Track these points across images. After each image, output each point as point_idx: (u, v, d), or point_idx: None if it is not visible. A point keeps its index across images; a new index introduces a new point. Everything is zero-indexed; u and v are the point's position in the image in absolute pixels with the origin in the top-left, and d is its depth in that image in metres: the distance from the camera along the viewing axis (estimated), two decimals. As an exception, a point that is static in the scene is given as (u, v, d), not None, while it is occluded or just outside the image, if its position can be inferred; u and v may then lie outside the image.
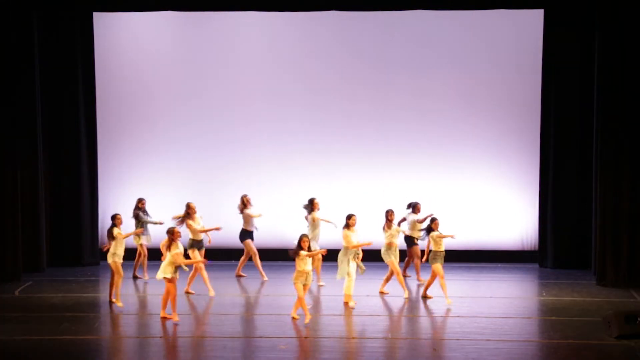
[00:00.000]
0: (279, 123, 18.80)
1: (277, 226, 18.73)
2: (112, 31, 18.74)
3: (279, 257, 18.63)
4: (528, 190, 18.54)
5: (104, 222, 19.03)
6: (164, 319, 13.59)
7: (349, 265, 14.77)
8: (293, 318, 13.65)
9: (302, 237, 13.70)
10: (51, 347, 12.32)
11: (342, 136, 18.74)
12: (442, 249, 14.93)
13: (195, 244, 16.05)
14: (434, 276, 14.98)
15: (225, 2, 17.95)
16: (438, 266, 14.81)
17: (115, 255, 14.82)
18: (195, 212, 16.16)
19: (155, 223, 17.17)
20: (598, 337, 12.78)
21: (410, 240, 16.61)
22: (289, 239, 18.67)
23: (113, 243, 14.85)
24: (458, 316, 14.08)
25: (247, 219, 17.19)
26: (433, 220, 15.12)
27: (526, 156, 18.53)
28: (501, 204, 18.50)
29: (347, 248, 14.81)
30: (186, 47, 18.82)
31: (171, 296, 13.61)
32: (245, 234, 17.24)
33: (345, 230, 14.82)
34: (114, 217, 15.31)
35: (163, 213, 18.88)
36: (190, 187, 18.87)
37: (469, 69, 18.47)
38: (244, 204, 17.18)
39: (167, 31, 18.86)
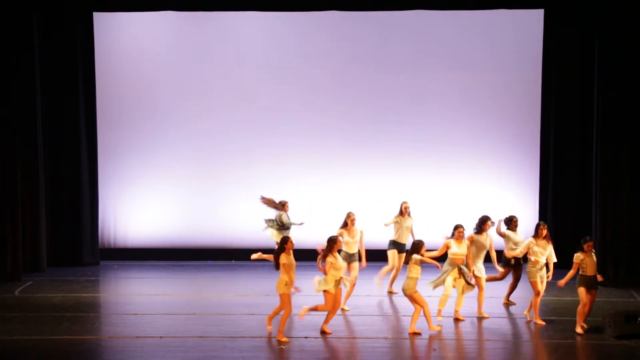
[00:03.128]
0: (278, 123, 18.79)
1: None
2: (112, 31, 18.73)
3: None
4: (528, 190, 18.54)
5: (104, 222, 19.05)
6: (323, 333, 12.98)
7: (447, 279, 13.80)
8: (414, 334, 13.00)
9: (419, 242, 13.09)
10: (51, 347, 12.33)
11: (342, 136, 18.73)
12: (588, 272, 13.00)
13: (347, 257, 14.78)
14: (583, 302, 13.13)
15: (225, 2, 17.96)
16: (582, 290, 13.08)
17: (288, 285, 12.84)
18: (353, 224, 14.97)
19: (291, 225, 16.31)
20: (598, 337, 12.79)
21: (506, 260, 14.82)
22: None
23: (282, 270, 12.84)
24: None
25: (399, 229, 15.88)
26: (586, 241, 13.12)
27: (526, 156, 18.53)
28: (501, 204, 18.47)
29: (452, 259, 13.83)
30: (186, 47, 18.82)
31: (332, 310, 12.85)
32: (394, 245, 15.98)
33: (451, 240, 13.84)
34: (287, 241, 12.95)
35: (163, 213, 18.94)
36: (190, 187, 18.89)
37: (469, 69, 18.47)
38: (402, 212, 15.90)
39: (167, 31, 18.85)
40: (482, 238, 14.15)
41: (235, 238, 18.91)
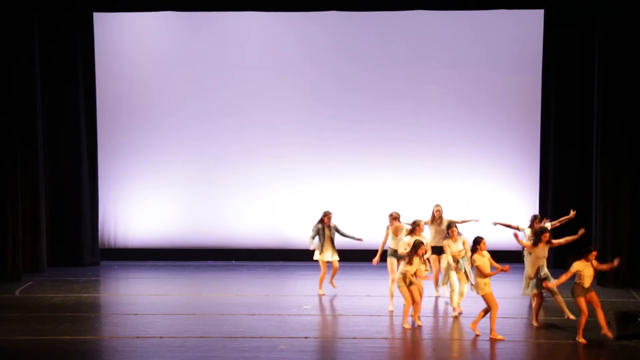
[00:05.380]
0: (278, 123, 18.79)
1: (277, 227, 18.76)
2: (112, 31, 18.74)
3: (279, 257, 18.70)
4: (528, 190, 18.55)
5: (104, 222, 19.06)
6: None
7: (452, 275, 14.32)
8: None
9: (419, 244, 13.47)
10: (51, 347, 12.33)
11: (342, 137, 18.73)
12: (586, 284, 12.58)
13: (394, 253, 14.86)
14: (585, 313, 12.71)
15: (225, 2, 17.96)
16: (581, 301, 12.67)
17: (487, 284, 13.00)
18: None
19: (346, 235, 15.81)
20: (598, 337, 12.79)
21: None
22: (289, 240, 18.78)
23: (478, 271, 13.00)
24: (453, 316, 14.09)
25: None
26: (589, 251, 12.70)
27: (526, 156, 18.54)
28: (501, 203, 18.50)
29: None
30: (186, 48, 18.83)
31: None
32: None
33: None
34: (479, 241, 12.99)
35: (163, 213, 18.95)
36: (190, 187, 18.90)
37: (469, 69, 18.48)
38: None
39: (167, 31, 18.86)
40: (539, 249, 13.93)
41: (235, 238, 18.91)
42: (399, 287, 13.55)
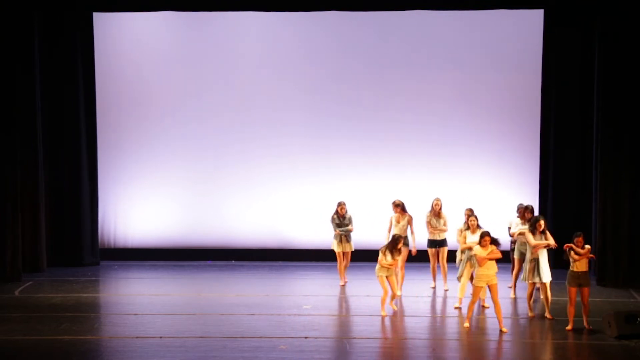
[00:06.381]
0: (278, 123, 18.78)
1: (277, 227, 18.76)
2: (112, 31, 18.73)
3: (279, 257, 18.69)
4: (528, 190, 18.51)
5: (104, 222, 19.05)
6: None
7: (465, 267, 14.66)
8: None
9: (398, 238, 14.18)
10: (51, 347, 12.33)
11: (342, 136, 18.72)
12: (576, 268, 13.21)
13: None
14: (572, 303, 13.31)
15: (225, 2, 17.95)
16: (572, 290, 13.29)
17: (479, 277, 13.33)
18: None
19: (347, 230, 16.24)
20: (598, 337, 12.80)
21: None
22: (289, 240, 18.76)
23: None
24: (458, 316, 14.09)
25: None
26: (576, 236, 13.23)
27: (526, 156, 18.52)
28: (501, 204, 18.47)
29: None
30: (186, 48, 18.81)
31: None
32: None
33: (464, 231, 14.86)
34: (484, 235, 13.34)
35: (163, 213, 18.94)
36: (190, 187, 18.89)
37: (469, 69, 18.46)
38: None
39: (167, 31, 18.85)
40: (536, 239, 14.08)
41: (235, 238, 18.89)
42: (377, 277, 14.16)
